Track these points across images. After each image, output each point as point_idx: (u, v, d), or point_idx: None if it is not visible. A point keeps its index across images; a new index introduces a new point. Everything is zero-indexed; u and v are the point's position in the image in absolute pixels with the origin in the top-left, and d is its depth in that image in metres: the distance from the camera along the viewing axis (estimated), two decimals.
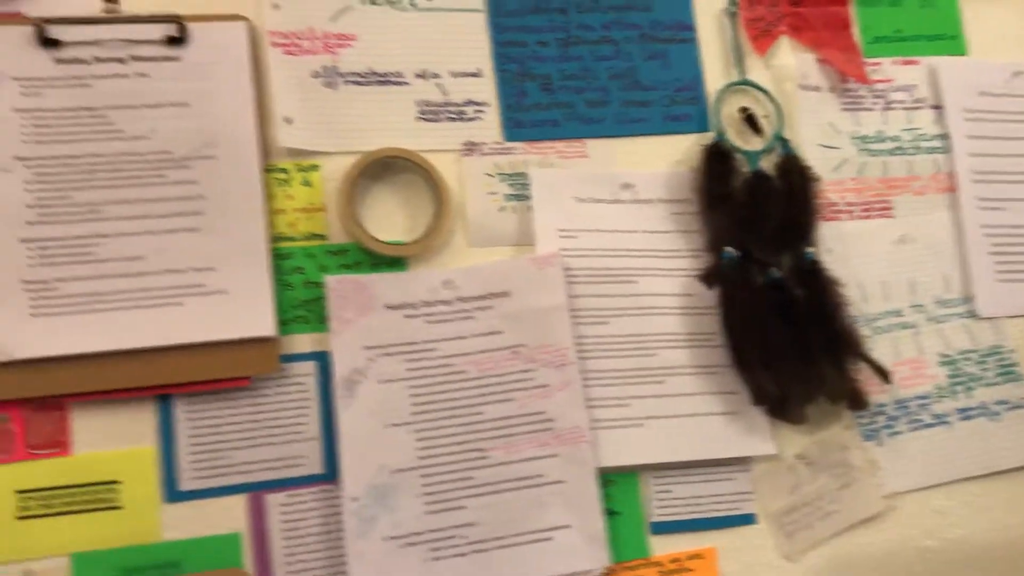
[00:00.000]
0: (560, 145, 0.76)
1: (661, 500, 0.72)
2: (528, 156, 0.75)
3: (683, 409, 0.73)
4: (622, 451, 0.71)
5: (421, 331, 0.70)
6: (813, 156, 0.79)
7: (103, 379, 0.63)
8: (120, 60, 0.67)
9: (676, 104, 0.79)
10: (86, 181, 0.65)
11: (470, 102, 0.75)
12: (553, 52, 0.77)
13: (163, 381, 0.64)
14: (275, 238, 0.69)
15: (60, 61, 0.66)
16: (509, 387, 0.70)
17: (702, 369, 0.74)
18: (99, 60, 0.67)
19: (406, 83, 0.74)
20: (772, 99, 0.80)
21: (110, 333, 0.63)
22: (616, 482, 0.71)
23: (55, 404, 0.63)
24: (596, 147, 0.76)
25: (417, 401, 0.68)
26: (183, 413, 0.65)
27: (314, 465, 0.67)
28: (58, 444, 0.63)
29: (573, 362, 0.70)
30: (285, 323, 0.68)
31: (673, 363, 0.73)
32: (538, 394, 0.70)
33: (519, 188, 0.74)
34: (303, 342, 0.69)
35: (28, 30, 0.66)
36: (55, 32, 0.66)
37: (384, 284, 0.70)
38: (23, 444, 0.63)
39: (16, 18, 0.66)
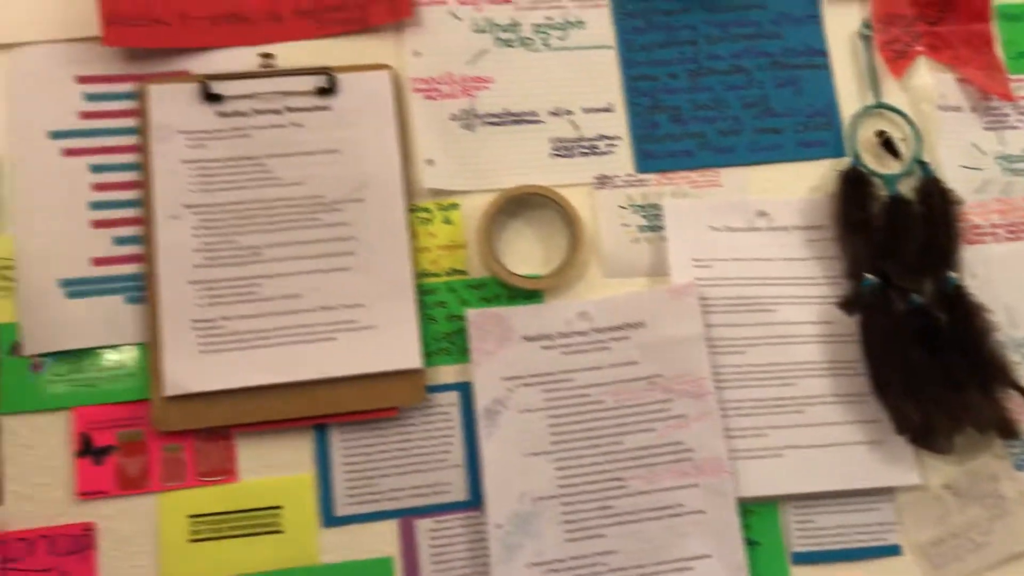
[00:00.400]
0: (693, 175, 0.77)
1: (802, 530, 0.71)
2: (661, 187, 0.76)
3: (823, 439, 0.72)
4: (762, 481, 0.71)
5: (558, 362, 0.72)
6: (954, 178, 0.78)
7: (265, 411, 0.68)
8: (276, 111, 0.72)
9: (810, 130, 0.78)
10: (247, 225, 0.70)
11: (602, 136, 0.76)
12: (684, 84, 0.78)
13: (319, 412, 0.68)
14: (419, 274, 0.72)
15: (222, 114, 0.71)
16: (647, 417, 0.71)
17: (843, 398, 0.73)
18: (257, 112, 0.72)
19: (540, 121, 0.76)
20: (910, 121, 0.78)
21: (271, 368, 0.68)
22: (756, 512, 0.71)
23: (222, 434, 0.68)
24: (729, 176, 0.77)
25: (556, 431, 0.70)
26: (338, 442, 0.69)
27: (459, 492, 0.70)
28: (225, 472, 0.68)
29: (711, 392, 0.71)
30: (429, 355, 0.71)
31: (813, 392, 0.73)
32: (676, 424, 0.71)
33: (652, 219, 0.75)
34: (447, 373, 0.71)
35: (193, 87, 0.71)
36: (217, 87, 0.71)
37: (521, 316, 0.72)
38: (194, 472, 0.67)
39: (182, 76, 0.72)
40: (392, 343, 0.69)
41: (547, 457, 0.70)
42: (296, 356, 0.68)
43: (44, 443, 0.67)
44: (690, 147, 0.77)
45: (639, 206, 0.76)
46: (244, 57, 0.73)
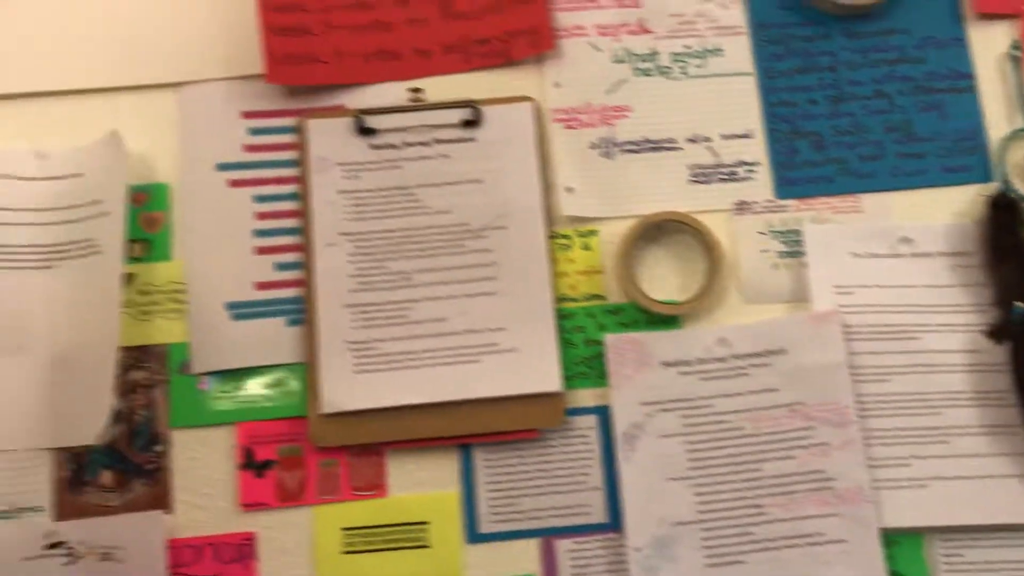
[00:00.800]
0: (834, 201, 0.76)
1: (950, 564, 0.70)
2: (801, 213, 0.76)
3: (971, 470, 0.70)
4: (906, 512, 0.70)
5: (696, 387, 0.72)
6: None
7: (414, 429, 0.71)
8: (425, 143, 0.75)
9: (955, 155, 0.77)
10: (398, 252, 0.73)
11: (741, 163, 0.77)
12: (824, 109, 0.78)
13: (464, 432, 0.71)
14: (558, 299, 0.74)
15: (374, 147, 0.75)
16: (787, 444, 0.71)
17: (992, 429, 0.71)
18: (407, 144, 0.75)
19: (678, 148, 0.77)
20: None
21: (419, 388, 0.71)
22: (901, 543, 0.70)
23: (374, 451, 0.71)
24: (871, 202, 0.76)
25: (694, 456, 0.71)
26: (481, 461, 0.71)
27: (599, 514, 0.71)
28: (376, 487, 0.71)
29: (853, 420, 0.70)
30: (569, 379, 0.73)
31: (959, 422, 0.71)
32: (817, 452, 0.70)
33: (792, 245, 0.75)
34: (585, 397, 0.73)
35: (348, 121, 0.75)
36: (370, 121, 0.75)
37: (660, 342, 0.73)
38: (348, 486, 0.71)
39: (338, 111, 0.76)
40: (533, 366, 0.71)
41: (686, 482, 0.70)
42: (442, 377, 0.71)
43: (210, 456, 0.71)
44: (831, 173, 0.77)
45: (779, 232, 0.76)
46: (395, 92, 0.77)
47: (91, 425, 0.68)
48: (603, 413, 0.72)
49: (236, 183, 0.75)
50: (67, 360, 0.70)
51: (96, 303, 0.70)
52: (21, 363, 0.70)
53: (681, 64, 0.78)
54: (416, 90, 0.77)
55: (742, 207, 0.76)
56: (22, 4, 0.78)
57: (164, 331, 0.73)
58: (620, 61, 0.78)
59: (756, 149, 0.77)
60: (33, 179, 0.74)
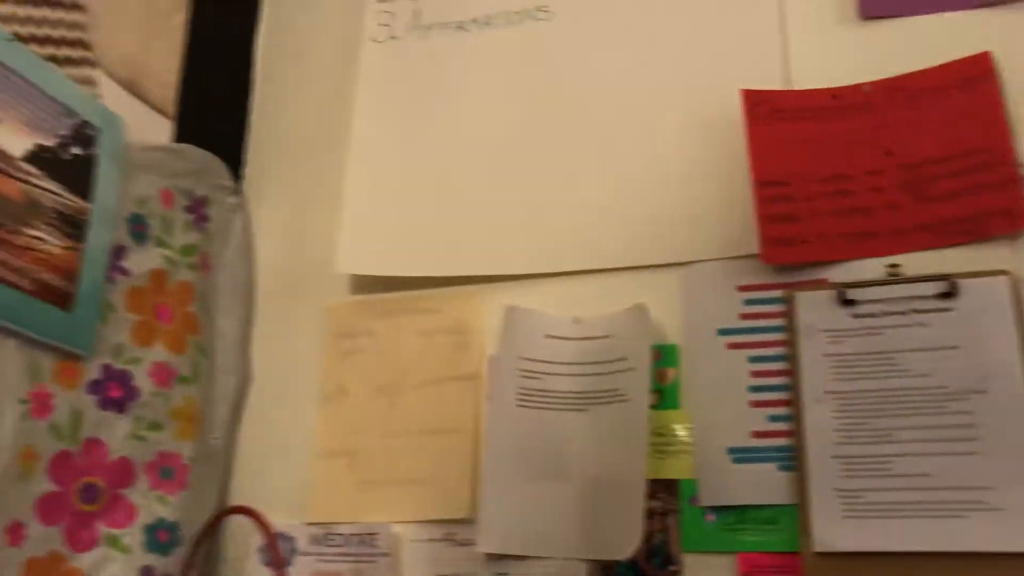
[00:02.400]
0: None
1: None
2: None
3: None
4: None
5: None
6: None
7: (902, 574, 0.78)
8: (902, 313, 0.84)
9: None
10: (879, 410, 0.82)
11: None
12: None
13: None
14: None
15: (855, 316, 0.86)
16: None
17: None
18: (885, 314, 0.85)
19: None
20: None
21: (906, 537, 0.78)
22: None
23: None
24: None
25: None
26: None
27: None
28: None
29: None
30: None
31: None
32: None
33: None
34: None
35: (831, 293, 0.87)
36: (851, 294, 0.86)
37: None
38: None
39: (822, 284, 0.88)
40: (1021, 526, 0.75)
41: None
42: (928, 529, 0.78)
43: None
44: None
45: None
46: (872, 267, 0.87)
47: (625, 543, 0.83)
48: None
49: (733, 346, 0.89)
50: (598, 487, 0.87)
51: (624, 442, 0.87)
52: (562, 487, 0.88)
53: None
54: (894, 265, 0.86)
55: None
56: (565, 203, 1.00)
57: (674, 468, 0.87)
58: None
59: None
60: (571, 339, 0.94)
